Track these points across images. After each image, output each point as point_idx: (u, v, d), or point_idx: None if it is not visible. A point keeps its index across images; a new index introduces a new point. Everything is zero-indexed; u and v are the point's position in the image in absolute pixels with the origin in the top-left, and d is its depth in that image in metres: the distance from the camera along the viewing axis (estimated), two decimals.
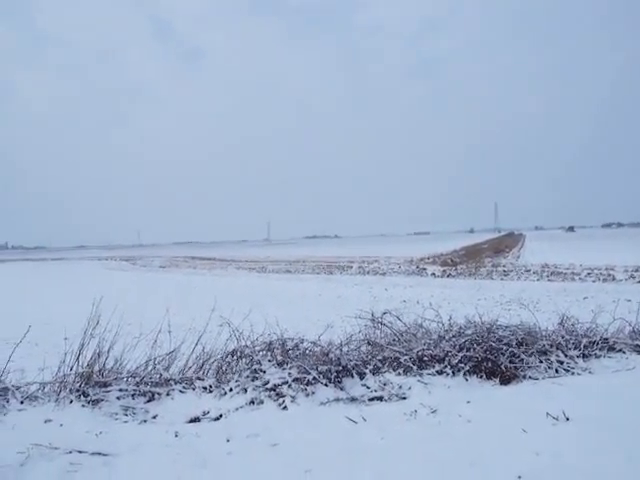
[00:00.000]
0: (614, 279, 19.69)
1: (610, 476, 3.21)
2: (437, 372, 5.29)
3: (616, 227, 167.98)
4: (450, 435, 3.91)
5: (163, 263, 50.43)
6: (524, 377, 5.33)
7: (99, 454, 3.66)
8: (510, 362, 5.42)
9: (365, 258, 40.08)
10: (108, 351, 5.15)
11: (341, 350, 5.58)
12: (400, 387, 5.04)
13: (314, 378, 4.97)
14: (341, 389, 4.99)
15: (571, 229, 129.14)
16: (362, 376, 5.24)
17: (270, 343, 5.54)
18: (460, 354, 5.39)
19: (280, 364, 5.19)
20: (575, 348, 5.94)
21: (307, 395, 4.78)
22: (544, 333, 6.17)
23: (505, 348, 5.52)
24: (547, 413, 4.10)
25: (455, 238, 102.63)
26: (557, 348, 5.84)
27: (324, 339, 5.72)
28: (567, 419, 4.02)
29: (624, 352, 6.07)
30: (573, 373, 5.48)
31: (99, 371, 5.01)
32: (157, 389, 4.93)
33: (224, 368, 5.43)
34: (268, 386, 4.87)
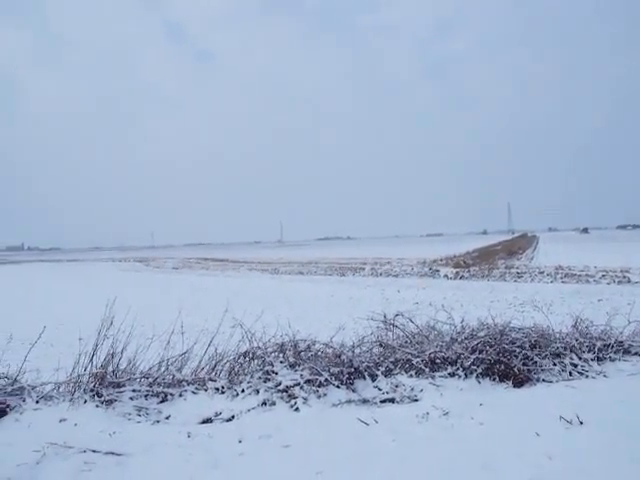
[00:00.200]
0: (629, 281, 19.41)
1: None
2: (449, 374, 5.27)
3: (631, 228, 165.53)
4: (462, 438, 3.89)
5: (176, 264, 50.70)
6: (537, 380, 5.29)
7: (112, 454, 3.70)
8: (523, 365, 5.39)
9: (377, 260, 39.96)
10: (122, 352, 5.19)
11: (353, 352, 5.58)
12: (412, 389, 5.02)
13: (326, 380, 4.98)
14: (353, 391, 4.99)
15: (585, 230, 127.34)
16: (374, 378, 5.24)
17: (282, 344, 5.55)
18: (472, 356, 5.36)
19: (292, 365, 5.21)
20: (589, 351, 5.88)
21: (319, 397, 4.79)
22: (558, 335, 6.12)
23: (518, 350, 5.49)
24: (560, 416, 4.07)
25: (468, 240, 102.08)
26: (571, 351, 5.79)
27: (336, 341, 5.72)
28: (581, 423, 3.99)
29: None
30: (587, 376, 5.42)
31: (113, 372, 5.05)
32: (170, 390, 4.96)
33: (236, 369, 5.45)
34: (280, 387, 4.89)
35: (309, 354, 5.48)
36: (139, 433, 4.15)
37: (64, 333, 10.13)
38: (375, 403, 4.79)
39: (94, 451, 3.71)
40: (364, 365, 5.32)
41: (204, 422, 4.49)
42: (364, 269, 31.52)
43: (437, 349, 5.54)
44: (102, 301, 5.55)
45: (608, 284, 19.18)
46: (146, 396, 4.90)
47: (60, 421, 4.27)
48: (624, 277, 20.41)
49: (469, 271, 26.63)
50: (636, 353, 6.06)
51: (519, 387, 5.15)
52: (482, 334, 5.65)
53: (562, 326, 6.48)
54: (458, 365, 5.35)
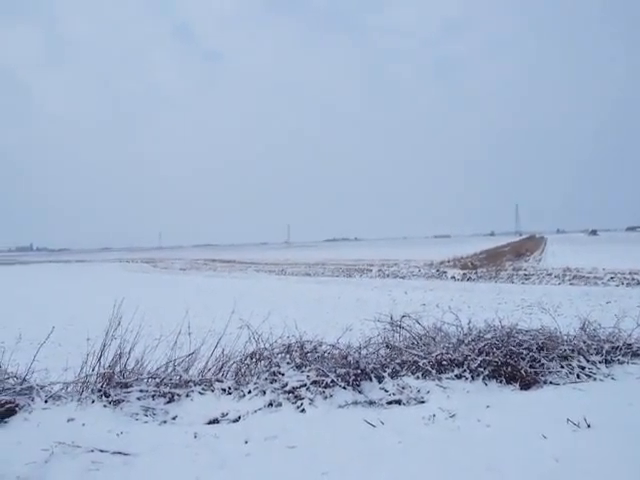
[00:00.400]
0: (638, 283, 19.26)
1: None
2: (456, 376, 5.26)
3: None
4: (468, 440, 3.89)
5: (184, 265, 50.87)
6: (545, 382, 5.26)
7: (120, 453, 3.73)
8: (530, 367, 5.37)
9: (385, 261, 39.88)
10: (129, 352, 5.23)
11: (360, 353, 5.58)
12: (419, 391, 5.02)
13: (332, 381, 4.98)
14: (359, 392, 4.99)
15: (594, 232, 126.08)
16: (380, 379, 5.24)
17: (289, 346, 5.56)
18: (479, 358, 5.35)
19: (299, 367, 5.22)
20: (597, 353, 5.85)
21: (325, 398, 4.79)
22: (565, 338, 6.09)
23: (525, 352, 5.47)
24: (568, 419, 4.05)
25: (475, 241, 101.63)
26: (579, 353, 5.76)
27: (343, 342, 5.72)
28: (588, 426, 3.97)
29: None
30: (595, 379, 5.39)
31: (120, 372, 5.09)
32: (177, 390, 4.99)
33: (243, 370, 5.46)
34: (286, 389, 4.90)
35: (315, 355, 5.48)
36: (146, 433, 4.17)
37: (72, 333, 10.20)
38: (381, 404, 4.79)
39: (101, 451, 3.74)
40: (370, 366, 5.32)
41: (211, 423, 4.51)
42: (371, 270, 31.48)
43: (444, 351, 5.53)
44: (110, 302, 5.59)
45: (617, 286, 19.04)
46: (153, 396, 4.93)
47: (68, 421, 4.31)
48: (633, 279, 20.24)
49: (476, 273, 26.54)
50: None
51: (526, 389, 5.13)
52: (489, 336, 5.63)
53: (570, 328, 6.45)
54: (465, 367, 5.33)
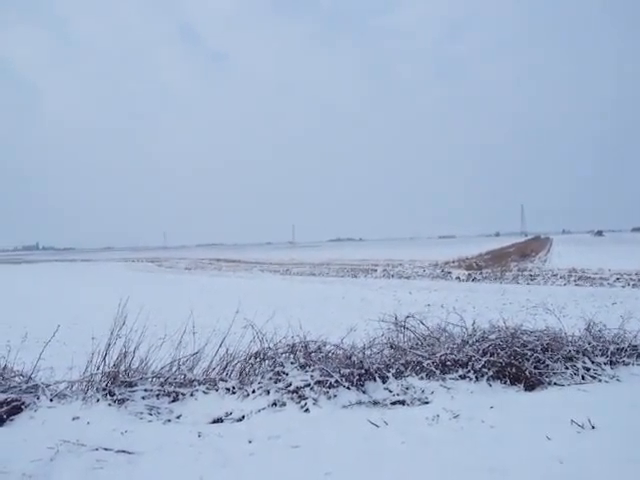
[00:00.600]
0: None
1: None
2: (460, 377, 5.25)
3: None
4: (472, 440, 3.88)
5: (188, 265, 50.93)
6: (549, 383, 5.25)
7: (124, 452, 3.75)
8: (535, 368, 5.35)
9: (390, 261, 39.84)
10: (134, 351, 5.25)
11: (364, 353, 5.59)
12: (422, 391, 5.02)
13: (336, 381, 4.98)
14: (363, 392, 4.99)
15: (599, 233, 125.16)
16: (384, 380, 5.23)
17: (293, 345, 5.57)
18: (484, 359, 5.34)
19: (303, 366, 5.22)
20: (602, 355, 5.82)
21: (329, 398, 4.80)
22: (570, 339, 6.06)
23: (530, 353, 5.45)
24: (572, 420, 4.04)
25: (481, 242, 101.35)
26: (583, 354, 5.74)
27: (347, 342, 5.72)
28: (593, 427, 3.95)
29: None
30: (600, 380, 5.37)
31: (125, 371, 5.11)
32: (181, 389, 5.00)
33: (247, 370, 5.47)
34: (290, 388, 4.90)
35: (320, 355, 5.49)
36: (150, 432, 4.19)
37: (77, 332, 10.22)
38: (385, 405, 4.79)
39: (106, 449, 3.76)
40: (375, 367, 5.32)
41: (215, 422, 4.53)
42: (376, 271, 31.45)
43: (448, 351, 5.53)
44: (115, 301, 5.61)
45: (623, 287, 18.95)
46: (158, 395, 4.95)
47: (73, 419, 4.33)
48: (639, 280, 20.16)
49: (481, 273, 26.48)
50: None
51: (530, 390, 5.11)
52: (493, 337, 5.62)
53: (575, 329, 6.42)
54: (469, 368, 5.33)
